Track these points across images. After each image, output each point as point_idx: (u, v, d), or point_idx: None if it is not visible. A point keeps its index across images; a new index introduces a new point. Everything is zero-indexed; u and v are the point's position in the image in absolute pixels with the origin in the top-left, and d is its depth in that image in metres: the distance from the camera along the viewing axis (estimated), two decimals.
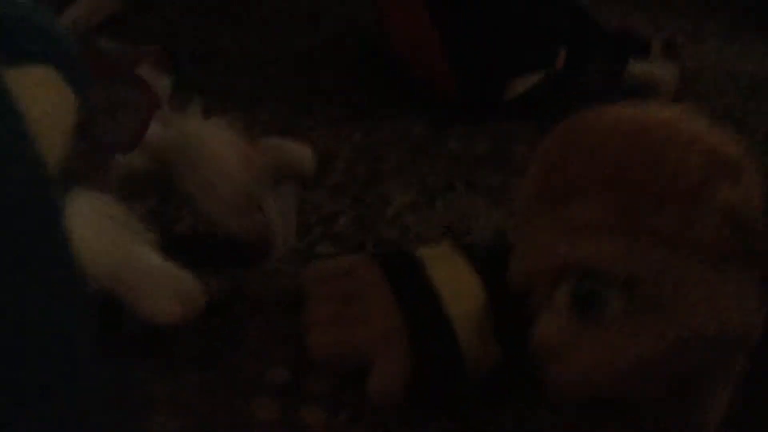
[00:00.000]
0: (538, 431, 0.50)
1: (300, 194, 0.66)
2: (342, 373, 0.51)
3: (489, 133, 0.90)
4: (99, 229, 0.47)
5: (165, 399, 0.48)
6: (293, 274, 0.60)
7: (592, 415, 0.48)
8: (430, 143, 0.86)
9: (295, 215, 0.63)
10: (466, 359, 0.49)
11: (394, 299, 0.51)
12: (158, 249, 0.52)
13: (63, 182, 0.50)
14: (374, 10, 0.99)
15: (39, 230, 0.32)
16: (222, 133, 0.55)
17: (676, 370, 0.42)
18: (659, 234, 0.40)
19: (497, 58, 0.89)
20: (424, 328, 0.49)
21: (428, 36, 0.88)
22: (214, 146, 0.55)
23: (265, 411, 0.49)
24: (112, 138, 0.51)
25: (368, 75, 0.99)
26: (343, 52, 1.04)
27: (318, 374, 0.51)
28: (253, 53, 1.01)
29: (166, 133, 0.55)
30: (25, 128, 0.32)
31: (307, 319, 0.53)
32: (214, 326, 0.55)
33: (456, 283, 0.51)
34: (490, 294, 0.50)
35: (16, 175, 0.31)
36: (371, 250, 0.66)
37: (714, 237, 0.40)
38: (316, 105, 0.90)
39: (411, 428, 0.49)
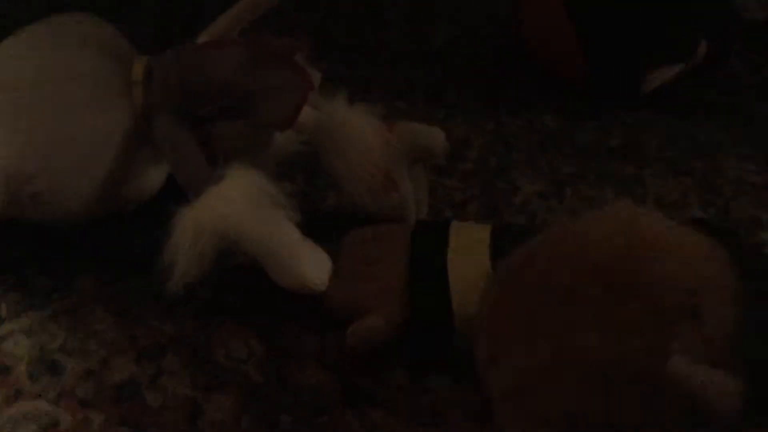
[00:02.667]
0: None
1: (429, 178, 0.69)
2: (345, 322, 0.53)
3: (622, 125, 0.90)
4: (255, 202, 0.53)
5: (312, 353, 0.53)
6: None
7: None
8: (562, 134, 0.87)
9: (426, 197, 0.66)
10: (458, 319, 0.51)
11: (406, 262, 0.54)
12: (301, 227, 0.56)
13: (226, 157, 0.57)
14: (511, 2, 1.01)
15: None
16: (365, 118, 0.59)
17: None
18: None
19: (635, 49, 0.89)
20: (423, 288, 0.52)
21: (564, 27, 0.89)
22: (358, 130, 0.59)
23: (398, 377, 0.53)
24: (270, 117, 0.56)
25: (502, 66, 1.01)
26: (479, 45, 1.06)
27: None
28: (392, 47, 1.05)
29: (316, 116, 0.60)
30: None
31: (332, 275, 0.55)
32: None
33: (467, 260, 0.53)
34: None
35: None
36: None
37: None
38: (450, 95, 0.93)
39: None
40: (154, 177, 0.60)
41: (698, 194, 0.76)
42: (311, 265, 0.53)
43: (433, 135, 0.61)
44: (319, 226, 0.56)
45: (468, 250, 0.53)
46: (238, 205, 0.52)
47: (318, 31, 1.07)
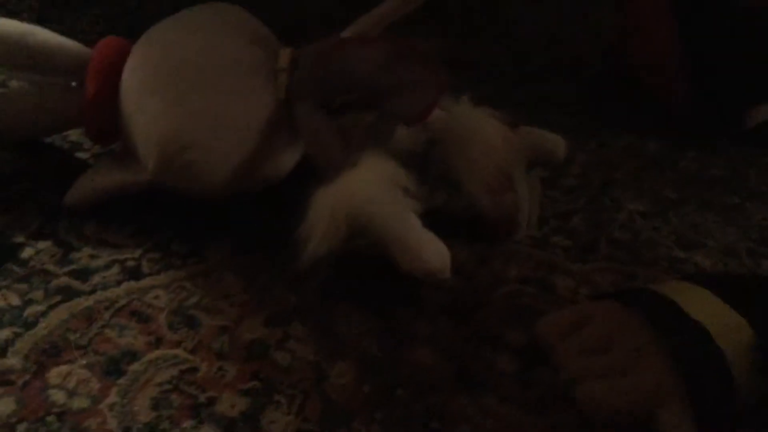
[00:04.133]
0: None
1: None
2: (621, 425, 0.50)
3: (724, 156, 0.91)
4: (388, 188, 0.56)
5: (426, 336, 0.56)
6: (527, 257, 0.67)
7: None
8: (664, 160, 0.89)
9: (539, 203, 0.69)
10: (739, 396, 0.48)
11: (659, 341, 0.49)
12: (421, 218, 0.59)
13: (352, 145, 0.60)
14: (617, 28, 1.03)
15: None
16: (490, 119, 0.63)
17: None
18: None
19: (742, 83, 0.90)
20: (702, 370, 0.48)
21: (673, 58, 0.91)
22: (483, 129, 0.62)
23: (505, 365, 0.55)
24: (403, 112, 0.60)
25: (607, 90, 1.03)
26: (584, 67, 1.09)
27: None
28: (493, 64, 1.08)
29: (442, 115, 0.63)
30: None
31: (570, 372, 0.53)
32: (459, 287, 0.62)
33: (718, 318, 0.49)
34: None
35: None
36: (603, 250, 0.70)
37: None
38: (554, 114, 0.96)
39: None
40: (287, 160, 0.64)
41: None
42: (435, 253, 0.56)
43: (556, 141, 0.64)
44: (427, 225, 0.58)
45: (714, 313, 0.49)
46: (374, 188, 0.55)
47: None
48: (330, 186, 0.56)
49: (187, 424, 0.47)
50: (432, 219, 0.59)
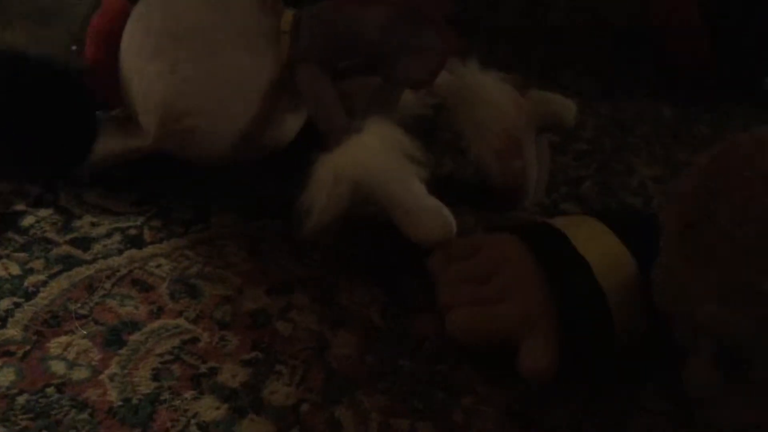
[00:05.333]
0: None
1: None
2: (483, 352, 0.50)
3: (739, 121, 0.89)
4: (393, 154, 0.55)
5: (429, 307, 0.55)
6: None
7: None
8: (678, 124, 0.87)
9: (547, 169, 0.67)
10: (618, 334, 0.47)
11: (538, 273, 0.49)
12: (428, 185, 0.58)
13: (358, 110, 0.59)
14: None
15: None
16: (499, 83, 0.61)
17: None
18: None
19: (763, 48, 0.87)
20: (576, 303, 0.48)
21: (695, 21, 0.88)
22: (491, 93, 0.60)
23: None
24: (409, 76, 0.58)
25: (624, 53, 1.00)
26: (598, 26, 1.06)
27: None
28: (508, 22, 1.06)
29: (449, 79, 0.61)
30: None
31: (442, 300, 0.53)
32: None
33: (608, 256, 0.48)
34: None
35: None
36: None
37: None
38: (565, 75, 0.94)
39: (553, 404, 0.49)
40: (290, 125, 0.63)
41: None
42: (439, 220, 0.55)
43: (566, 105, 0.62)
44: (433, 192, 0.57)
45: (603, 250, 0.49)
46: (378, 155, 0.54)
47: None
48: (333, 153, 0.55)
49: (188, 394, 0.46)
50: (439, 186, 0.58)
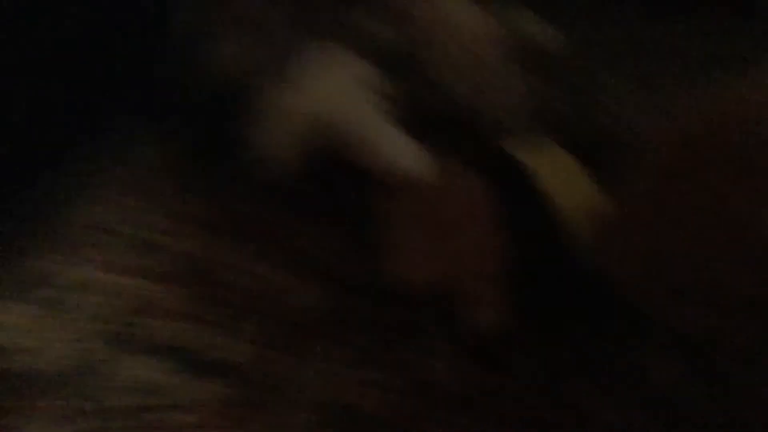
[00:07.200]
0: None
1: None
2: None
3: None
4: (352, 87, 0.51)
5: (394, 250, 0.52)
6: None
7: None
8: (655, 39, 0.83)
9: (527, 98, 0.64)
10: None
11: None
12: (395, 119, 0.54)
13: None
14: None
15: None
16: (468, 7, 0.56)
17: None
18: None
19: None
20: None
21: None
22: (460, 21, 0.56)
23: None
24: None
25: None
26: None
27: None
28: None
29: (424, 8, 0.56)
30: None
31: (391, 240, 0.51)
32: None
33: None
34: None
35: None
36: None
37: None
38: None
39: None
40: None
41: None
42: (403, 150, 0.52)
43: (544, 30, 0.58)
44: (405, 126, 0.54)
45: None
46: (335, 89, 0.50)
47: None
48: (287, 86, 0.50)
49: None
50: (412, 119, 0.54)
